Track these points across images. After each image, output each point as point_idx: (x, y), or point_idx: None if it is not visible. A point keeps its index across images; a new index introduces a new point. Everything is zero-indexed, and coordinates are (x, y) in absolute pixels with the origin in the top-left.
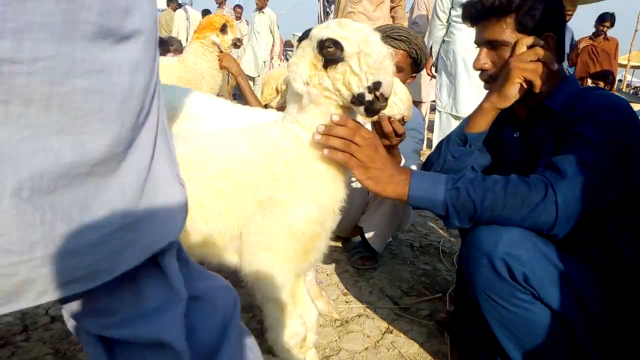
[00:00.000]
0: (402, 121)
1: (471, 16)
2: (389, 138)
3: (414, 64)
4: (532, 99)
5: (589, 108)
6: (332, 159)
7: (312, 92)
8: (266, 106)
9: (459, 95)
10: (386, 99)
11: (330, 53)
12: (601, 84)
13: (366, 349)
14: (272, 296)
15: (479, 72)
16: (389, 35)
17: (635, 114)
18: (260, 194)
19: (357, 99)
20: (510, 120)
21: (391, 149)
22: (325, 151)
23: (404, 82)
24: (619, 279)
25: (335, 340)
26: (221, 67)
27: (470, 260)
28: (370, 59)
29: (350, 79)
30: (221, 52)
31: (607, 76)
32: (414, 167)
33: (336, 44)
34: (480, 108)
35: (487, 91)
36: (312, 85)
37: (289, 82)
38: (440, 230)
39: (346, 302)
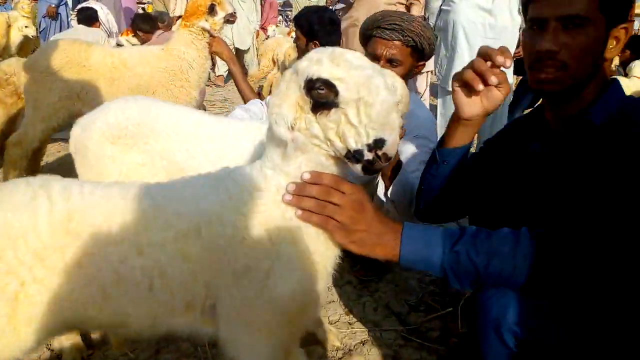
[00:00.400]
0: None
1: None
2: None
3: (415, 52)
4: (567, 104)
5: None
6: (307, 222)
7: (298, 139)
8: (259, 95)
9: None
10: (389, 158)
11: (321, 96)
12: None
13: None
14: None
15: (534, 57)
16: (378, 25)
17: None
18: (235, 261)
19: (353, 156)
20: (540, 130)
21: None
22: (298, 212)
23: (404, 76)
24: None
25: None
26: (211, 53)
27: (478, 325)
28: (373, 110)
29: (346, 131)
30: (212, 36)
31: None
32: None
33: (329, 86)
34: (451, 118)
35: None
36: (297, 130)
37: (269, 128)
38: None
39: (349, 324)
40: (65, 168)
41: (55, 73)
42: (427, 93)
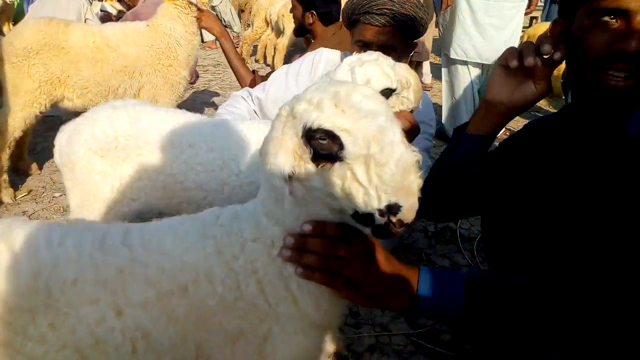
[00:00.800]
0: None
1: None
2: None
3: (408, 35)
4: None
5: None
6: (308, 280)
7: (298, 192)
8: (254, 72)
9: (461, 38)
10: (404, 225)
11: (324, 147)
12: None
13: None
14: None
15: (606, 56)
16: (367, 11)
17: None
18: (227, 323)
19: (362, 218)
20: (567, 140)
21: None
22: (298, 270)
23: (400, 60)
24: None
25: None
26: (200, 28)
27: None
28: (386, 171)
29: (353, 190)
30: (199, 10)
31: None
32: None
33: (333, 138)
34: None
35: None
36: (296, 180)
37: (264, 173)
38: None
39: (355, 327)
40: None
41: (33, 57)
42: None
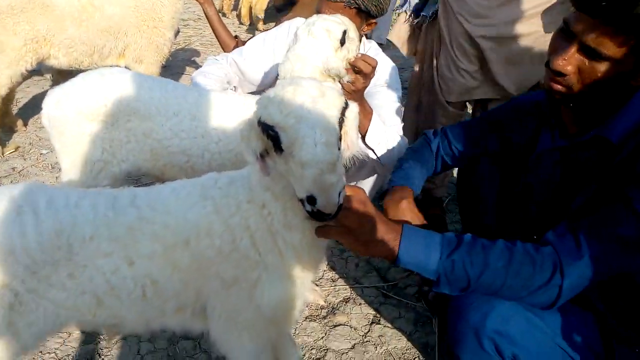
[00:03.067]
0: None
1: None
2: (367, 76)
3: (361, 13)
4: (588, 110)
5: None
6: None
7: (267, 168)
8: (236, 38)
9: None
10: (328, 215)
11: (272, 138)
12: None
13: (353, 347)
14: None
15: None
16: None
17: None
18: (224, 272)
19: (300, 201)
20: (552, 126)
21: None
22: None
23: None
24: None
25: (322, 338)
26: None
27: (456, 332)
28: (303, 169)
29: (292, 179)
30: None
31: None
32: (397, 140)
33: (274, 132)
34: None
35: None
36: (269, 159)
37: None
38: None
39: (332, 280)
40: (36, 108)
41: (18, 14)
42: None
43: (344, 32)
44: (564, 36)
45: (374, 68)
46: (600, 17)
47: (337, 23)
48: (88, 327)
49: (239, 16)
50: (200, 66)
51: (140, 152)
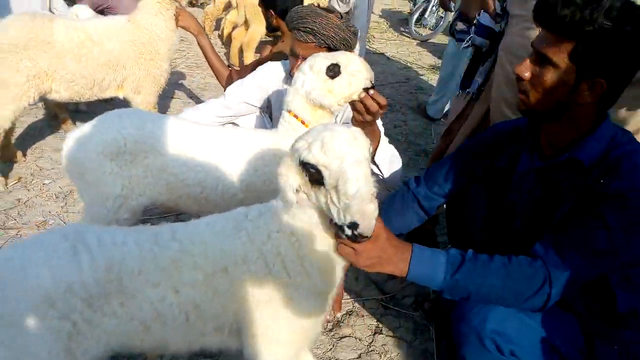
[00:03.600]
0: (373, 86)
1: (542, 17)
2: (374, 114)
3: (331, 51)
4: (553, 134)
5: (623, 188)
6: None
7: (303, 201)
8: (229, 67)
9: None
10: (366, 237)
11: (313, 175)
12: None
13: (359, 357)
14: None
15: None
16: (295, 26)
17: None
18: (259, 293)
19: (338, 227)
20: (531, 148)
21: (373, 124)
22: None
23: None
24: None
25: (330, 350)
26: (178, 27)
27: (461, 335)
28: (347, 199)
29: (331, 208)
30: (178, 8)
31: None
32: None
33: (317, 170)
34: None
35: None
36: (302, 192)
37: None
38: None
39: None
40: (33, 137)
41: (21, 52)
42: None
43: (331, 66)
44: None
45: (382, 106)
46: (546, 26)
47: (323, 58)
48: (135, 351)
49: (220, 37)
50: (187, 88)
51: (156, 186)
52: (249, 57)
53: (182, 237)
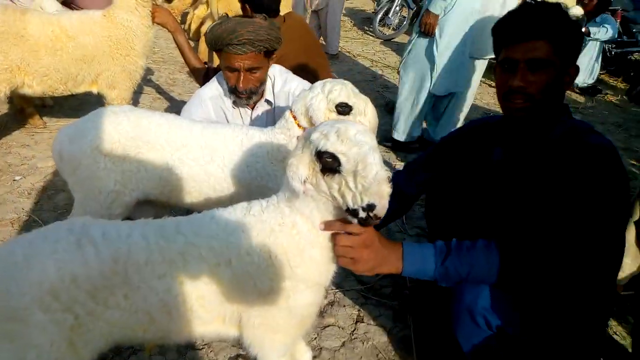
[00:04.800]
0: None
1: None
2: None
3: (268, 53)
4: (532, 126)
5: (581, 172)
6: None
7: (309, 192)
8: (205, 64)
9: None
10: (379, 218)
11: (328, 163)
12: None
13: (343, 344)
14: None
15: (506, 90)
16: (228, 43)
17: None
18: (260, 283)
19: (351, 212)
20: (502, 139)
21: None
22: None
23: (265, 74)
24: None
25: (315, 339)
26: (154, 23)
27: (454, 313)
28: (366, 182)
29: (345, 193)
30: (155, 5)
31: None
32: None
33: (334, 157)
34: None
35: None
36: (309, 183)
37: (287, 177)
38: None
39: None
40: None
41: None
42: None
43: (345, 105)
44: (508, 68)
45: None
46: (528, 38)
47: (344, 92)
48: (136, 342)
49: (187, 32)
50: (156, 84)
51: (149, 180)
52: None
53: (187, 230)
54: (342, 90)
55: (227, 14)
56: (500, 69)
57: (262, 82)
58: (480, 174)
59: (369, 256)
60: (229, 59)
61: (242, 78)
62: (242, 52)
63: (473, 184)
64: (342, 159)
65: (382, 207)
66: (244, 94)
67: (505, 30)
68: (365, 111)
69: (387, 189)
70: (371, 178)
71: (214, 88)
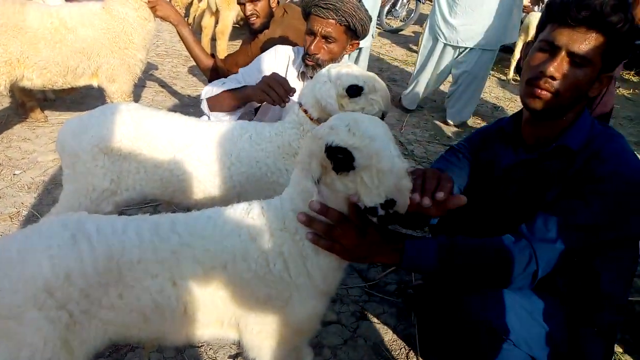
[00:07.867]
0: (383, 117)
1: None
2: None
3: (348, 31)
4: (545, 124)
5: (605, 172)
6: (315, 244)
7: (324, 193)
8: (213, 56)
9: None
10: (400, 215)
11: (340, 160)
12: None
13: (345, 342)
14: None
15: (535, 74)
16: (316, 4)
17: None
18: (258, 291)
19: (369, 210)
20: (514, 144)
21: None
22: (308, 235)
23: (339, 52)
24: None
25: (317, 336)
26: (156, 17)
27: (464, 325)
28: (384, 177)
29: (362, 191)
30: None
31: None
32: None
33: (346, 153)
34: None
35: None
36: (323, 183)
37: (297, 173)
38: None
39: None
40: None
41: None
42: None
43: (355, 87)
44: (548, 50)
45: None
46: (580, 26)
47: (350, 74)
48: (132, 341)
49: (191, 25)
50: (159, 77)
51: (149, 181)
52: (223, 45)
53: (182, 230)
54: (348, 72)
55: None
56: (536, 49)
57: (333, 58)
58: (488, 181)
59: (363, 247)
60: (312, 22)
61: (315, 41)
62: (324, 17)
63: (481, 190)
64: (355, 154)
65: (402, 202)
66: (311, 60)
67: (563, 4)
68: (375, 87)
69: (407, 184)
70: (388, 171)
71: (290, 51)
